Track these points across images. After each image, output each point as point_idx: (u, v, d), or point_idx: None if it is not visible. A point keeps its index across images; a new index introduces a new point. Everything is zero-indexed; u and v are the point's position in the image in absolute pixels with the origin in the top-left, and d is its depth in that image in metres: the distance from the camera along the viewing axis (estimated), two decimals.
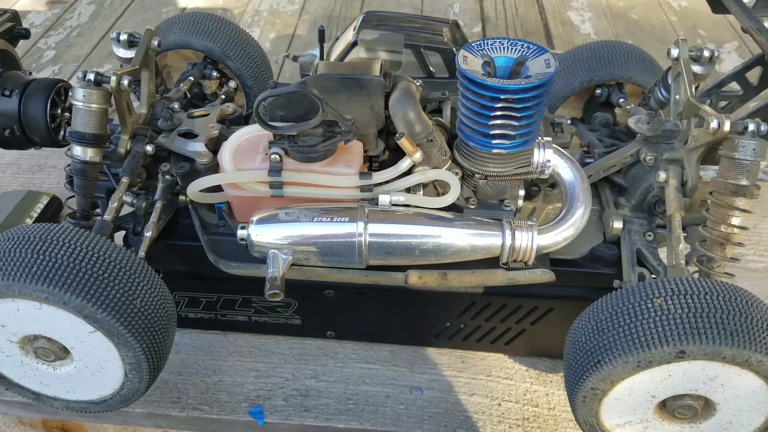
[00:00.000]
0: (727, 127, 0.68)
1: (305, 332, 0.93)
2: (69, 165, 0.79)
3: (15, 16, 1.00)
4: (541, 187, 0.84)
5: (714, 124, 0.68)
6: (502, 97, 0.67)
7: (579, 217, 0.73)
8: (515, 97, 0.67)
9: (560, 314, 0.84)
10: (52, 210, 1.12)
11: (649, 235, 0.79)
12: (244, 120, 0.93)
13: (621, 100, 0.97)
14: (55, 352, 0.68)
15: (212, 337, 0.95)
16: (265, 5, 1.99)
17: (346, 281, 0.75)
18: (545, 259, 0.77)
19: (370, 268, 0.74)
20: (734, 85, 0.83)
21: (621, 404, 0.66)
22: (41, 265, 0.62)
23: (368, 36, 1.41)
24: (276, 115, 0.76)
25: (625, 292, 0.65)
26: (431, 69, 1.38)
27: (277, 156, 0.75)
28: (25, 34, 0.99)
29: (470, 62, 0.70)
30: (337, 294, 0.86)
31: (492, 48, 0.72)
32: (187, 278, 0.88)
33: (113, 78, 0.75)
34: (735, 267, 1.10)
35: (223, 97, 1.04)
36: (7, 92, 0.89)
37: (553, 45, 1.77)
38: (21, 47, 1.84)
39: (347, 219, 0.71)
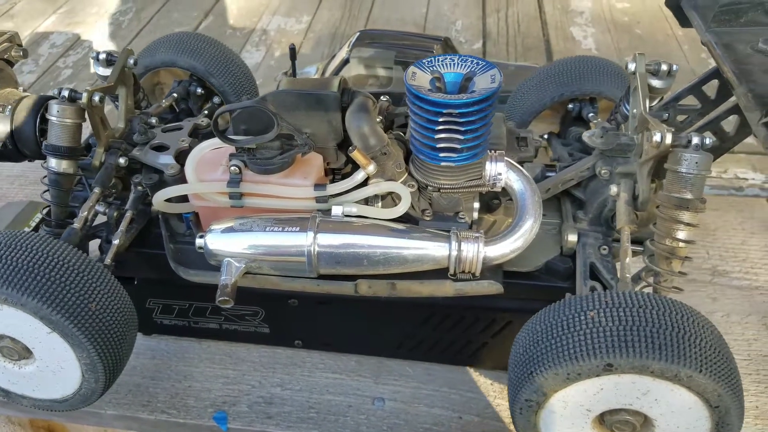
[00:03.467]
0: (668, 140, 0.68)
1: (274, 341, 0.95)
2: (45, 176, 0.84)
3: (13, 38, 1.06)
4: (502, 200, 0.85)
5: (657, 138, 0.68)
6: (444, 111, 0.69)
7: (528, 229, 0.74)
8: (457, 111, 0.69)
9: (519, 328, 0.85)
10: None
11: (604, 249, 0.79)
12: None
13: (591, 114, 0.98)
14: (18, 351, 0.72)
15: (187, 343, 0.98)
16: (273, 24, 2.04)
17: (299, 290, 0.77)
18: (498, 271, 0.78)
19: (321, 277, 0.76)
20: (695, 99, 0.83)
21: (558, 417, 0.66)
22: (2, 268, 0.65)
23: (361, 53, 1.45)
24: (239, 129, 0.79)
25: (561, 305, 0.65)
26: None
27: (237, 168, 0.78)
28: (23, 55, 1.05)
29: (419, 78, 0.72)
30: (301, 303, 0.88)
31: (442, 64, 0.74)
32: (160, 285, 0.91)
33: (85, 94, 0.79)
34: (719, 284, 1.09)
35: (206, 112, 1.08)
36: (0, 108, 0.95)
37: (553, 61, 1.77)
38: (41, 66, 1.93)
39: (298, 229, 0.73)
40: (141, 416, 0.89)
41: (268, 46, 1.92)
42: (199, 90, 1.09)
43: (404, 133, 0.85)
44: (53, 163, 0.82)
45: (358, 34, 1.49)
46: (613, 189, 0.76)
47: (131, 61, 0.89)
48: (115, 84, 0.86)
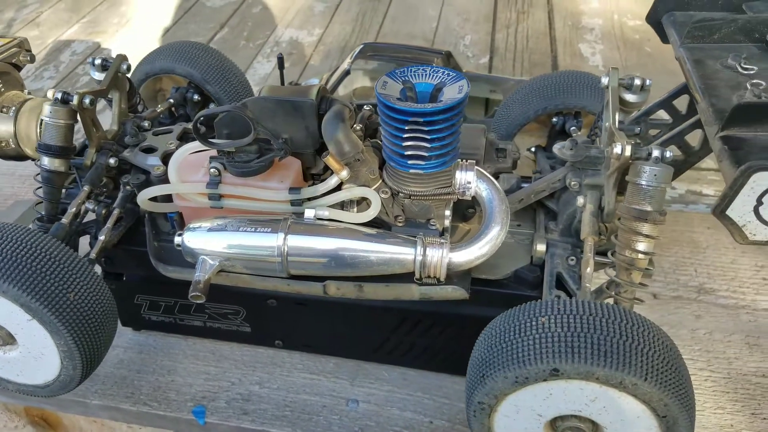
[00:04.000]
0: (628, 152, 0.69)
1: (255, 340, 0.98)
2: (38, 174, 0.88)
3: (21, 43, 1.11)
4: (477, 209, 0.87)
5: (617, 149, 0.69)
6: (411, 119, 0.71)
7: (494, 236, 0.76)
8: (423, 120, 0.71)
9: None
10: None
11: (572, 260, 0.80)
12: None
13: (572, 128, 0.99)
14: (3, 337, 0.76)
15: (174, 340, 1.01)
16: (286, 36, 2.09)
17: (270, 289, 0.80)
18: (466, 277, 0.80)
19: (292, 277, 0.79)
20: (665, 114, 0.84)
21: (511, 422, 0.67)
22: None
23: (363, 65, 1.48)
24: (222, 133, 0.83)
25: (516, 310, 0.67)
26: None
27: (216, 170, 0.81)
28: (30, 59, 1.11)
29: (389, 87, 0.75)
30: (279, 304, 0.90)
31: (414, 75, 0.76)
32: (147, 282, 0.95)
33: (75, 97, 0.84)
34: (705, 302, 1.09)
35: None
36: (4, 110, 1.00)
37: None
38: (61, 72, 2.00)
39: (270, 230, 0.76)
40: (124, 407, 0.92)
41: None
42: (196, 97, 1.13)
43: None
44: (46, 161, 0.86)
45: (361, 46, 1.52)
46: (580, 200, 0.78)
47: (124, 67, 0.93)
48: (108, 88, 0.91)
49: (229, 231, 0.77)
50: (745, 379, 0.95)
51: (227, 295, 0.91)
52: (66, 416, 1.06)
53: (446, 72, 0.76)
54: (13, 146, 1.01)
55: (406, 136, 0.73)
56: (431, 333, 0.88)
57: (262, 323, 0.95)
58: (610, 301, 0.75)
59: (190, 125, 0.98)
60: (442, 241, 0.74)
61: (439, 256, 0.74)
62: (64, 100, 0.84)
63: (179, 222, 0.89)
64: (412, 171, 0.76)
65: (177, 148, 0.91)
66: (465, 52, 1.93)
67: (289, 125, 0.82)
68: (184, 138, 0.95)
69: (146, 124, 0.97)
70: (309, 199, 0.81)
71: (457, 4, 2.19)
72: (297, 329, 0.94)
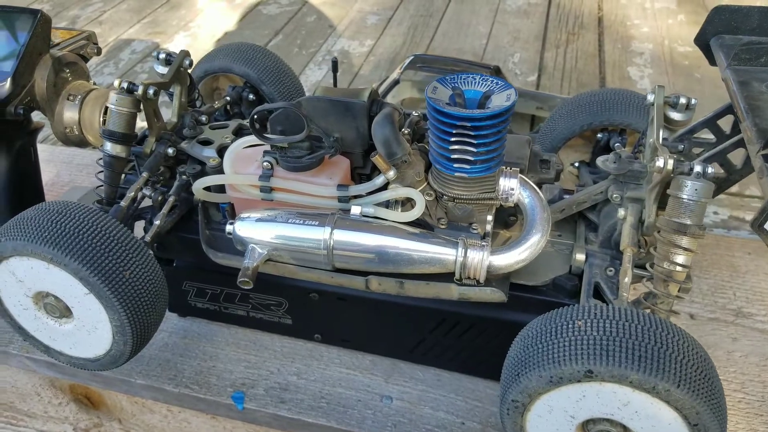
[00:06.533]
0: (670, 166, 0.70)
1: (295, 333, 1.01)
2: (100, 158, 0.93)
3: (90, 36, 1.18)
4: (519, 217, 0.89)
5: (659, 163, 0.71)
6: (458, 123, 0.74)
7: (534, 242, 0.78)
8: (470, 125, 0.73)
9: None
10: None
11: (611, 270, 0.81)
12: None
13: (617, 144, 1.00)
14: (60, 309, 0.80)
15: (216, 327, 1.05)
16: (338, 46, 2.15)
17: (314, 280, 0.83)
18: (505, 282, 0.81)
19: (336, 270, 0.82)
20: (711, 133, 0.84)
21: (544, 422, 0.68)
22: (51, 231, 0.74)
23: (412, 76, 1.51)
24: (276, 129, 0.87)
25: (554, 314, 0.68)
26: None
27: (269, 164, 0.85)
28: (97, 52, 1.17)
29: (439, 92, 0.77)
30: (321, 298, 0.93)
31: (464, 81, 0.79)
32: (195, 269, 0.99)
33: (141, 87, 0.89)
34: (742, 325, 1.08)
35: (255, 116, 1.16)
36: (71, 97, 1.06)
37: None
38: (121, 69, 2.09)
39: (317, 223, 0.79)
40: (166, 388, 0.96)
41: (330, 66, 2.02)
42: (251, 96, 1.18)
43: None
44: (108, 146, 0.91)
45: (411, 57, 1.56)
46: (621, 212, 0.79)
47: (187, 62, 0.98)
48: (170, 81, 0.95)
49: (279, 222, 0.80)
50: None
51: (271, 287, 0.95)
52: (109, 395, 1.11)
53: (495, 81, 0.79)
54: (77, 133, 1.07)
55: (453, 139, 0.75)
56: (467, 336, 0.90)
57: (303, 316, 0.98)
58: (647, 311, 0.76)
59: (245, 122, 1.02)
60: (483, 243, 0.77)
61: (480, 258, 0.76)
62: (129, 90, 0.90)
63: (230, 212, 0.93)
64: (457, 174, 0.78)
65: (232, 142, 0.96)
66: (513, 69, 1.96)
67: (340, 125, 0.85)
68: (239, 133, 0.99)
69: (204, 118, 1.01)
70: (355, 197, 0.84)
71: (508, 23, 2.22)
72: (336, 324, 0.97)
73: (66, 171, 1.51)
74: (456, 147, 0.76)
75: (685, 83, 1.84)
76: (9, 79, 0.99)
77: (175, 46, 2.20)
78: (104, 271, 0.74)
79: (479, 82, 0.79)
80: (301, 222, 0.80)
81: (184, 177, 0.95)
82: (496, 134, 0.75)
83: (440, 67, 1.52)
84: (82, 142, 1.08)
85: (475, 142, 0.75)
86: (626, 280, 0.74)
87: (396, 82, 1.50)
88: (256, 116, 0.83)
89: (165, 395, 0.97)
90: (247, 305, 1.00)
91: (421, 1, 2.32)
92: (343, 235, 0.78)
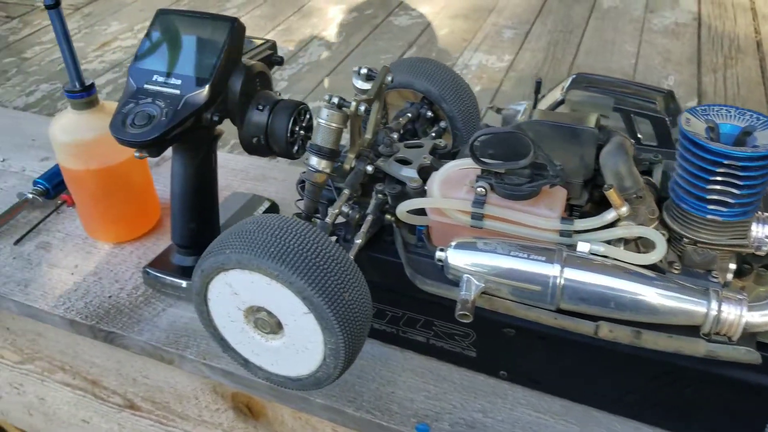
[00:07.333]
0: None
1: (478, 366, 0.96)
2: (303, 171, 0.91)
3: (273, 46, 1.18)
4: (754, 266, 0.80)
5: None
6: (725, 162, 0.67)
7: None
8: (739, 164, 0.66)
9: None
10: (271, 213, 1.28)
11: None
12: (450, 156, 1.00)
13: None
14: (271, 325, 0.78)
15: (390, 351, 1.01)
16: (475, 60, 2.10)
17: (533, 319, 0.77)
18: (752, 339, 0.73)
19: (559, 311, 0.76)
20: None
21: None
22: (278, 247, 0.72)
23: (576, 96, 1.44)
24: (485, 153, 0.82)
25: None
26: (639, 136, 1.36)
27: (483, 189, 0.80)
28: (280, 62, 1.17)
29: (693, 125, 0.71)
30: (518, 334, 0.88)
31: (717, 114, 0.72)
32: (380, 290, 0.95)
33: (353, 103, 0.86)
34: None
35: (434, 134, 1.12)
36: (260, 107, 1.06)
37: None
38: None
39: (544, 259, 0.74)
40: (347, 411, 0.92)
41: (469, 80, 1.97)
42: (429, 113, 1.14)
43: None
44: (314, 161, 0.89)
45: (574, 76, 1.48)
46: None
47: (389, 78, 0.95)
48: (375, 98, 0.93)
49: (500, 254, 0.76)
50: None
51: None
52: (272, 407, 1.10)
53: (755, 115, 0.71)
54: (263, 143, 1.06)
55: (714, 178, 0.68)
56: (688, 391, 0.82)
57: (490, 350, 0.92)
58: None
59: (439, 141, 0.99)
60: (740, 297, 0.69)
61: (737, 314, 0.68)
62: (340, 105, 0.87)
63: (427, 236, 0.89)
64: (709, 217, 0.71)
65: (431, 163, 0.92)
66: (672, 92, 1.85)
67: (563, 152, 0.79)
68: (433, 153, 0.96)
69: (395, 135, 0.98)
70: (578, 232, 0.78)
71: (656, 43, 2.11)
72: (527, 362, 0.91)
73: (221, 175, 1.52)
74: (716, 187, 0.68)
75: None
76: (208, 86, 0.99)
77: (309, 55, 2.22)
78: (328, 291, 0.72)
79: (735, 115, 0.72)
80: (526, 256, 0.75)
81: (380, 196, 0.92)
82: (763, 176, 0.68)
83: (608, 88, 1.43)
84: (266, 152, 1.07)
85: (740, 183, 0.67)
86: None
87: (560, 102, 1.43)
88: (478, 140, 0.79)
89: (344, 418, 0.94)
90: (428, 332, 0.96)
91: (558, 16, 2.24)
92: (575, 274, 0.72)
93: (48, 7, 1.10)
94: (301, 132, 1.05)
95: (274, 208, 1.30)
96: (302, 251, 0.72)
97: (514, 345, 0.89)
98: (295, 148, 1.05)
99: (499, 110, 1.69)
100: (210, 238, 1.17)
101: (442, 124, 1.17)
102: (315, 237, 0.75)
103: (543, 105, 1.51)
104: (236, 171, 1.52)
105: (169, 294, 1.13)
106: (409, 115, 1.12)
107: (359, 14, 2.44)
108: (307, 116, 1.06)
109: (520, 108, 1.62)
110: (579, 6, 2.22)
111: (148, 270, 1.13)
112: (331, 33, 2.37)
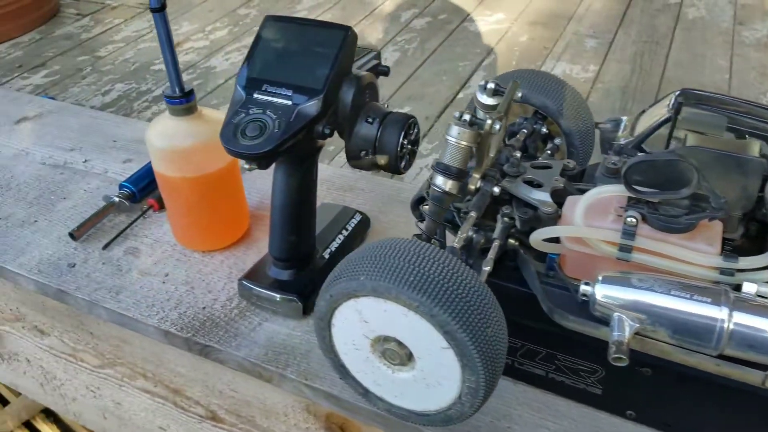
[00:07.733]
0: None
1: (602, 405, 0.89)
2: (428, 189, 0.86)
3: (378, 55, 1.13)
4: None
5: None
6: None
7: None
8: None
9: None
10: (362, 227, 1.24)
11: None
12: (579, 177, 0.94)
13: None
14: (401, 357, 0.73)
15: (502, 382, 0.96)
16: (558, 70, 2.03)
17: (692, 365, 0.71)
18: None
19: (720, 357, 0.69)
20: None
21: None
22: (418, 276, 0.67)
23: (685, 114, 1.36)
24: (632, 179, 0.76)
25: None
26: None
27: (634, 220, 0.74)
28: (386, 72, 1.12)
29: None
30: (654, 374, 0.81)
31: None
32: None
33: (488, 121, 0.81)
34: None
35: (548, 152, 1.06)
36: (370, 119, 1.01)
37: None
38: None
39: (710, 300, 0.67)
40: None
41: None
42: (543, 129, 1.08)
43: None
44: (440, 180, 0.84)
45: (677, 92, 1.41)
46: None
47: (519, 94, 0.89)
48: (505, 114, 0.87)
49: (658, 292, 0.69)
50: None
51: (588, 351, 0.84)
52: (368, 430, 1.05)
53: None
54: (370, 156, 1.02)
55: None
56: None
57: (618, 389, 0.86)
58: None
59: (567, 161, 0.93)
60: None
61: None
62: (471, 123, 0.82)
63: (559, 266, 0.83)
64: None
65: (565, 186, 0.86)
66: None
67: (724, 182, 0.73)
68: (563, 175, 0.90)
69: (518, 154, 0.93)
70: (740, 270, 0.71)
71: (749, 57, 2.00)
72: (661, 404, 0.85)
73: None
74: None
75: None
76: (321, 97, 0.95)
77: (384, 61, 2.17)
78: (472, 326, 0.66)
79: None
80: (689, 296, 0.68)
81: (506, 219, 0.86)
82: None
83: (717, 106, 1.35)
84: (372, 166, 1.03)
85: None
86: None
87: (666, 120, 1.35)
88: (634, 166, 0.73)
89: None
90: (549, 365, 0.90)
91: (642, 26, 2.16)
92: (745, 319, 0.66)
93: (153, 11, 1.07)
94: (409, 146, 1.00)
95: (365, 222, 1.26)
96: (443, 281, 0.67)
97: (649, 385, 0.83)
98: (403, 163, 1.00)
99: (596, 125, 1.62)
100: (306, 251, 1.14)
101: (557, 141, 1.10)
102: (454, 266, 0.70)
103: (644, 121, 1.44)
104: (322, 180, 1.48)
105: (264, 308, 1.10)
106: (525, 131, 1.07)
107: (433, 19, 2.39)
108: (416, 130, 1.02)
109: (621, 122, 1.54)
110: (663, 16, 2.13)
111: (243, 281, 1.10)
112: (404, 38, 2.32)
